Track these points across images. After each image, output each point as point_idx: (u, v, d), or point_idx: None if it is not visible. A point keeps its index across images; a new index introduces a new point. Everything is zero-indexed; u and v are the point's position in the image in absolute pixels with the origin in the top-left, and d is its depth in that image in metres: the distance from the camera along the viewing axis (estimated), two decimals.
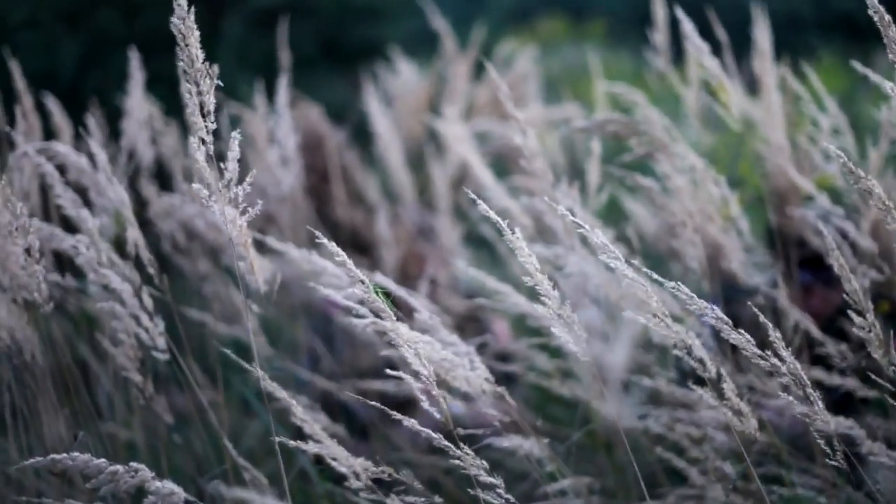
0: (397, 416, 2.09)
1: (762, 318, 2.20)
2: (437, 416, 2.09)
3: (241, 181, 2.08)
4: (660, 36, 3.79)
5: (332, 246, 2.03)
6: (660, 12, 3.81)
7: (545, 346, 3.16)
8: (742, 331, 2.17)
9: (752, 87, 3.81)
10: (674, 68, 3.86)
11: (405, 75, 3.99)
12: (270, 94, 7.83)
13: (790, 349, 2.17)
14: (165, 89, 8.19)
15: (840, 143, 3.55)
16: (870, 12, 2.31)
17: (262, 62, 8.63)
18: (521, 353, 3.17)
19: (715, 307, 2.17)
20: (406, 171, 3.32)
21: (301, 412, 2.19)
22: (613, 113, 2.63)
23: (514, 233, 2.13)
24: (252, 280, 2.26)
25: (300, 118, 3.74)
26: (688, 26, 3.49)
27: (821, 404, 2.19)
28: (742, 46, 4.01)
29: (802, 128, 3.81)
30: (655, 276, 2.13)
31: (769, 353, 2.15)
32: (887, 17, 2.29)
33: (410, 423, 2.08)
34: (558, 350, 3.28)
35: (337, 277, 2.45)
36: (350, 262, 2.01)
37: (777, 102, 3.59)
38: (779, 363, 2.13)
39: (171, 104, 8.00)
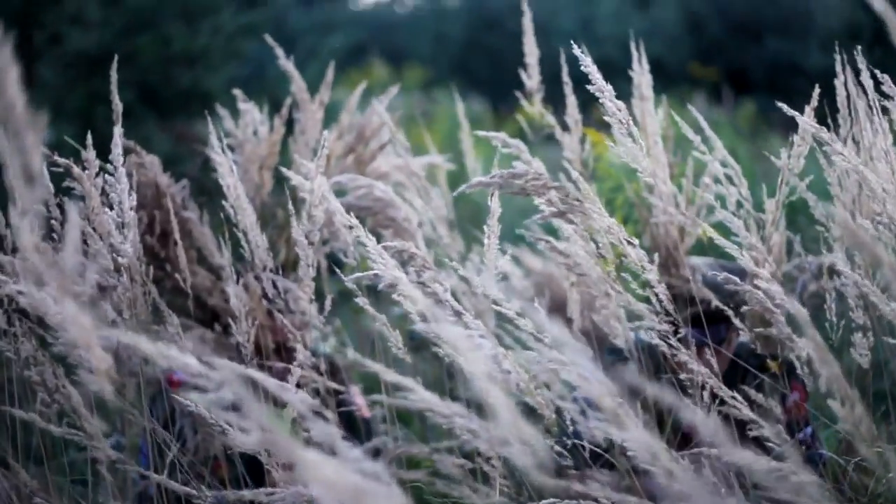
0: None
1: None
2: None
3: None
4: (533, 80, 3.49)
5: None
6: (533, 52, 3.52)
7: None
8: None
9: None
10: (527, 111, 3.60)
11: (249, 120, 3.55)
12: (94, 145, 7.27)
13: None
14: None
15: (730, 192, 3.31)
16: None
17: (80, 111, 8.13)
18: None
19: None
20: (258, 229, 2.89)
21: None
22: (520, 166, 2.25)
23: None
24: (92, 380, 1.81)
25: (136, 170, 3.27)
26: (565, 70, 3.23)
27: None
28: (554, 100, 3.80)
29: (682, 172, 3.56)
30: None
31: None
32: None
33: None
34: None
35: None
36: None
37: (661, 148, 3.32)
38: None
39: None
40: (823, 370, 1.84)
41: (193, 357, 1.67)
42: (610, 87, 2.87)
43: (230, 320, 3.00)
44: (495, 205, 2.25)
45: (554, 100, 3.68)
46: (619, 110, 2.64)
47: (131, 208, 2.79)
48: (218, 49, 8.22)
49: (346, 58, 24.92)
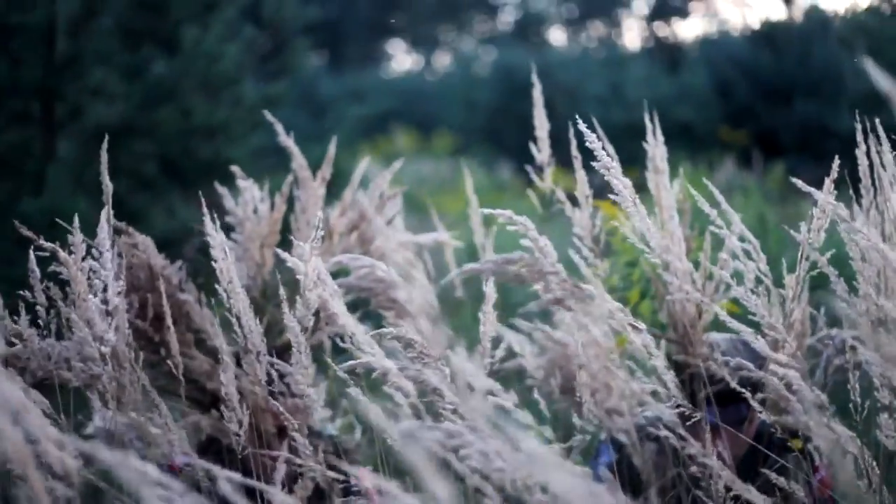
0: None
1: None
2: None
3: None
4: (543, 154, 3.38)
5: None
6: (543, 125, 3.41)
7: None
8: None
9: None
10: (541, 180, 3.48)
11: (249, 197, 3.45)
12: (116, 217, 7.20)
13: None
14: None
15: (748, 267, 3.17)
16: None
17: (97, 183, 8.09)
18: None
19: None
20: (252, 314, 2.77)
21: None
22: (514, 252, 2.10)
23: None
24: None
25: (128, 252, 3.16)
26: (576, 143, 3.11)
27: None
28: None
29: (700, 246, 3.42)
30: None
31: None
32: None
33: None
34: None
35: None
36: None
37: (676, 223, 3.20)
38: None
39: (3, 227, 7.37)
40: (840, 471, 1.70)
41: (152, 467, 1.54)
42: (617, 163, 2.76)
43: (223, 407, 2.87)
44: (490, 290, 2.12)
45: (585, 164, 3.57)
46: (626, 188, 2.51)
47: (119, 293, 2.69)
48: (239, 120, 8.17)
49: (376, 124, 25.08)
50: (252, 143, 8.44)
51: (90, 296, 2.55)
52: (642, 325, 2.31)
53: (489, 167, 18.08)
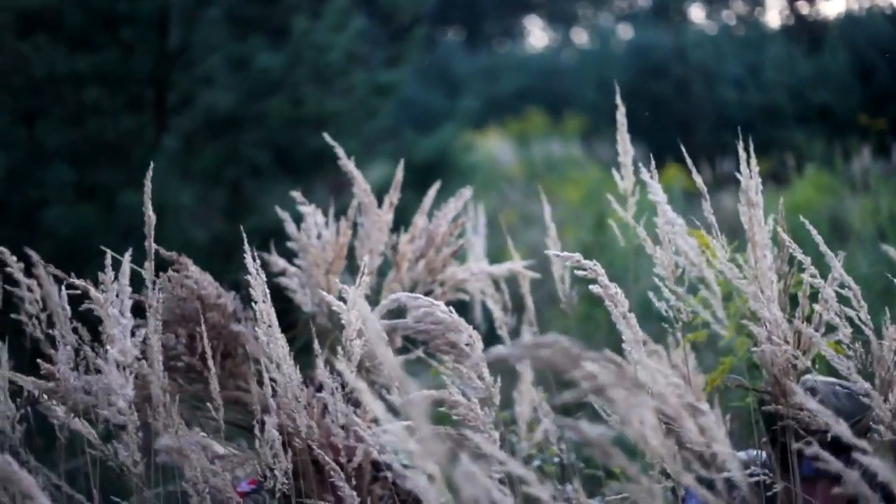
0: None
1: None
2: None
3: None
4: (626, 182, 3.09)
5: None
6: (626, 150, 3.13)
7: None
8: None
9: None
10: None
11: (312, 223, 3.26)
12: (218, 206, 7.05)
13: None
14: (103, 200, 7.58)
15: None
16: None
17: (207, 172, 8.06)
18: None
19: None
20: (291, 362, 2.58)
21: None
22: (549, 335, 1.83)
23: None
24: None
25: (178, 282, 3.00)
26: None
27: None
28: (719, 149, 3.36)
29: (797, 288, 3.10)
30: None
31: None
32: None
33: None
34: None
35: None
36: None
37: (769, 264, 2.88)
38: None
39: (108, 217, 7.35)
40: None
41: None
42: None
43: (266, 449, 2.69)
44: (526, 372, 1.85)
45: (721, 147, 3.27)
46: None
47: (156, 331, 2.53)
48: (350, 110, 8.03)
49: (508, 103, 24.77)
50: (363, 132, 8.29)
51: (113, 344, 2.38)
52: (705, 407, 2.02)
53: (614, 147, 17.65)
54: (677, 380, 1.88)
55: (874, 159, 13.00)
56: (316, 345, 2.67)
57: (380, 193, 3.43)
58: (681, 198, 8.30)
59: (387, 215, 3.30)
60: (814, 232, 2.86)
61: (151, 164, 2.65)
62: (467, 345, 2.76)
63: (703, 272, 2.90)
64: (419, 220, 3.33)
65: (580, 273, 2.67)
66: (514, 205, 11.14)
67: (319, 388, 3.18)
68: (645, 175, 2.14)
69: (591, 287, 2.67)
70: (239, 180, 7.56)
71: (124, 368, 2.37)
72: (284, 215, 3.32)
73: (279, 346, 2.57)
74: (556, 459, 2.96)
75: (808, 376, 3.12)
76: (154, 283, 2.64)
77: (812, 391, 3.00)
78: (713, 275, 3.13)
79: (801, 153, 13.75)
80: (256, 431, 2.63)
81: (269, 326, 2.59)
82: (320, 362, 2.53)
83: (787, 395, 2.93)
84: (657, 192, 2.04)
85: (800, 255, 2.78)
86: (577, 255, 2.65)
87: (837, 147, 12.19)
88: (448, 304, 2.93)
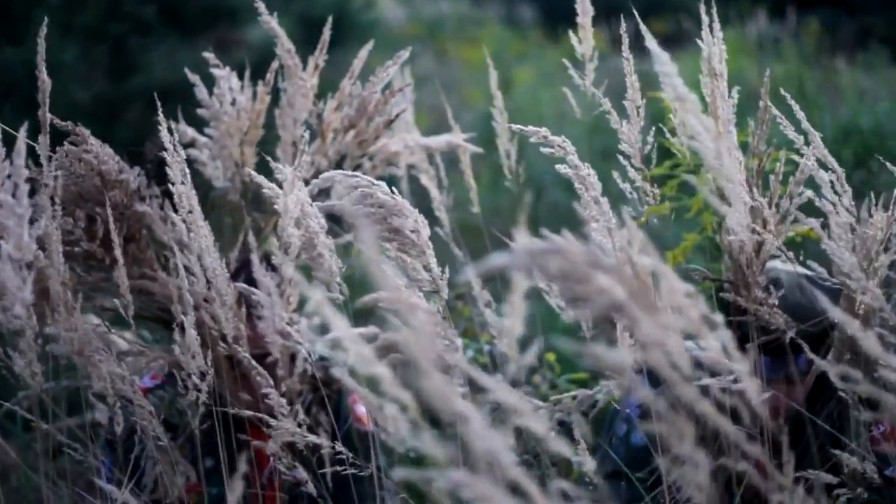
0: None
1: None
2: None
3: None
4: (584, 31, 2.72)
5: None
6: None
7: None
8: None
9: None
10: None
11: (226, 88, 2.86)
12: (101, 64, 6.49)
13: None
14: None
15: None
16: None
17: (88, 28, 7.47)
18: None
19: None
20: (216, 254, 2.23)
21: None
22: (554, 240, 1.48)
23: None
24: None
25: (75, 161, 2.59)
26: None
27: None
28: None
29: (775, 160, 2.81)
30: None
31: None
32: None
33: None
34: None
35: None
36: None
37: (734, 141, 2.56)
38: None
39: None
40: None
41: None
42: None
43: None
44: (517, 298, 1.50)
45: (615, 8, 2.94)
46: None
47: (53, 217, 2.14)
48: None
49: None
50: None
51: (7, 237, 1.98)
52: (719, 319, 1.72)
53: (507, 5, 17.18)
54: (690, 288, 1.59)
55: (771, 21, 12.83)
56: (251, 237, 2.33)
57: (269, 54, 3.04)
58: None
59: (312, 79, 2.90)
60: (796, 107, 2.57)
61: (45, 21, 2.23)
62: (412, 231, 2.43)
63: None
64: (346, 85, 2.95)
65: (546, 150, 2.35)
66: (406, 64, 10.63)
67: (236, 274, 2.85)
68: (651, 43, 1.81)
69: (558, 167, 2.35)
70: (123, 37, 7.01)
71: (22, 266, 1.98)
72: (194, 78, 2.90)
73: (202, 234, 2.22)
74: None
75: (775, 263, 2.88)
76: (50, 158, 2.25)
77: (776, 283, 2.76)
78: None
79: (696, 14, 13.50)
80: (176, 335, 2.29)
81: (190, 212, 2.22)
82: (255, 259, 2.18)
83: (749, 288, 2.68)
84: (664, 63, 1.70)
85: (791, 134, 2.49)
86: (544, 130, 2.32)
87: (732, 10, 11.97)
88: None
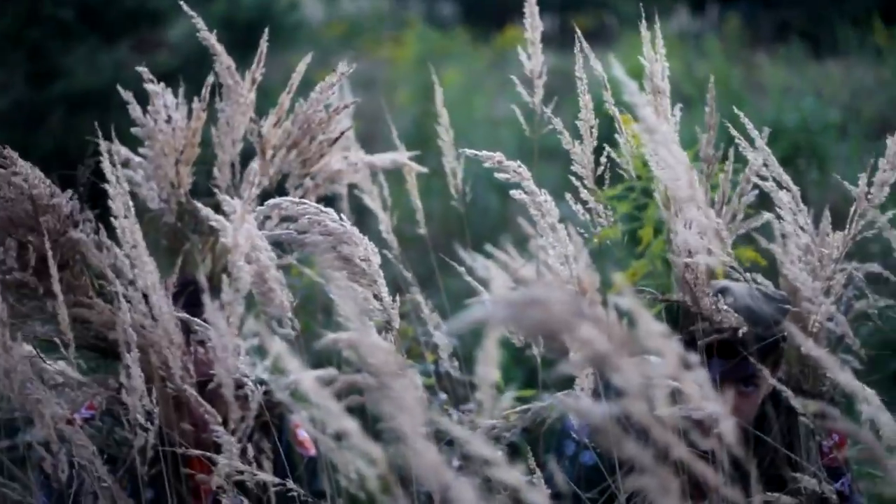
0: None
1: None
2: None
3: None
4: (533, 46, 2.66)
5: None
6: (534, 14, 2.71)
7: None
8: None
9: None
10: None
11: (161, 105, 2.75)
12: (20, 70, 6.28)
13: None
14: None
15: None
16: None
17: (6, 32, 7.27)
18: None
19: None
20: (162, 291, 2.12)
21: None
22: (539, 286, 1.41)
23: None
24: None
25: (4, 185, 2.47)
26: None
27: None
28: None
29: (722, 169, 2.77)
30: None
31: None
32: None
33: None
34: None
35: None
36: None
37: (680, 155, 2.51)
38: None
39: None
40: None
41: None
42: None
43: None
44: (491, 346, 1.41)
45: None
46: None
47: None
48: None
49: None
50: None
51: None
52: (694, 359, 1.66)
53: (428, 4, 17.07)
54: (662, 327, 1.52)
55: (693, 17, 12.91)
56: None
57: (201, 57, 2.93)
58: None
59: (250, 95, 2.79)
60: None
61: None
62: (363, 259, 2.35)
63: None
64: (285, 99, 2.83)
65: (501, 176, 2.28)
66: (330, 66, 10.43)
67: (177, 297, 2.74)
68: (617, 70, 1.73)
69: (512, 193, 2.29)
70: (41, 41, 6.82)
71: None
72: (128, 96, 2.77)
73: (147, 270, 2.11)
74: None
75: (723, 282, 2.84)
76: None
77: (724, 291, 2.74)
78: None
79: (617, 11, 13.56)
80: (122, 378, 2.19)
81: (134, 247, 2.12)
82: (202, 280, 2.07)
83: (699, 304, 2.65)
84: (633, 93, 1.63)
85: (751, 155, 2.44)
86: (499, 155, 2.25)
87: (653, 5, 12.02)
88: (318, 200, 2.52)
